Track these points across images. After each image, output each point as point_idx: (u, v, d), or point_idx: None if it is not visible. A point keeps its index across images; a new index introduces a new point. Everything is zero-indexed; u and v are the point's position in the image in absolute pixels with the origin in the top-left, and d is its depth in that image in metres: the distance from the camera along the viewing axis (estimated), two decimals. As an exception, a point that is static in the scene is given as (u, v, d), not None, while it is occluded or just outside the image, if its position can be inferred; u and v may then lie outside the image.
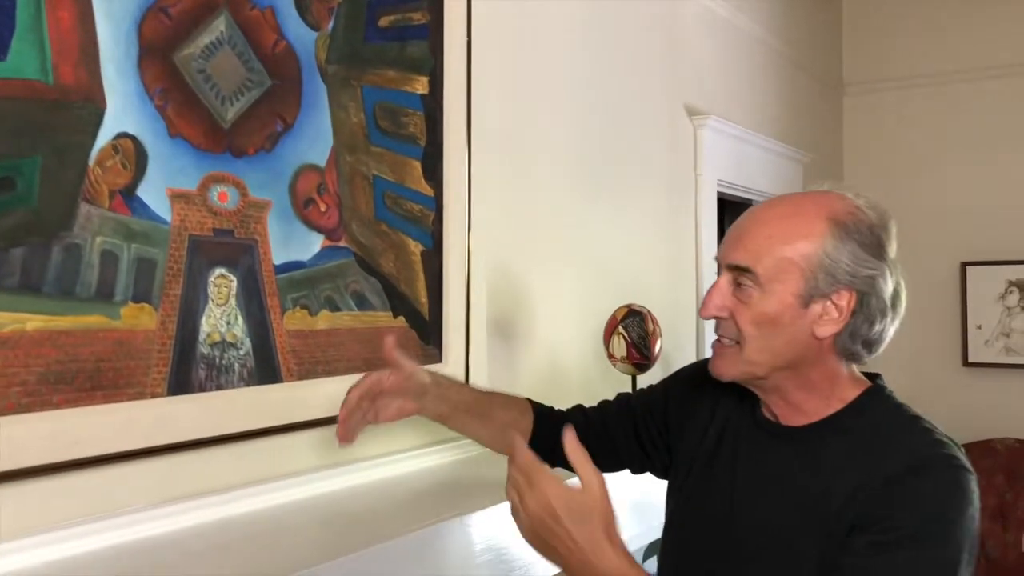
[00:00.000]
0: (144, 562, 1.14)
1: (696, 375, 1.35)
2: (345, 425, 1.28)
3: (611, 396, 2.37)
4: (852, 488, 1.08)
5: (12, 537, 1.07)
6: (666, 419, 1.37)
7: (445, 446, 1.73)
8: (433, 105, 1.73)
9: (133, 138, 1.21)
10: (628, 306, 2.14)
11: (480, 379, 1.83)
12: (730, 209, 3.40)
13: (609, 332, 2.13)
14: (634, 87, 2.67)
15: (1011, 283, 4.17)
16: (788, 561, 1.11)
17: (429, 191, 1.72)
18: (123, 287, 1.20)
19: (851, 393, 1.17)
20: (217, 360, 1.33)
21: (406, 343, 1.66)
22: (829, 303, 1.11)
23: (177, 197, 1.27)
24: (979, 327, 4.22)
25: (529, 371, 2.15)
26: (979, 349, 4.23)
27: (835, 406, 1.16)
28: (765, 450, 1.20)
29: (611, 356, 2.13)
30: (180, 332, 1.27)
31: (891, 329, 1.15)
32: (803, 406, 1.17)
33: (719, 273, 1.18)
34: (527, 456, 1.09)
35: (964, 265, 4.24)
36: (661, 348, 2.14)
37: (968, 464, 1.08)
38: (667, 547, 1.30)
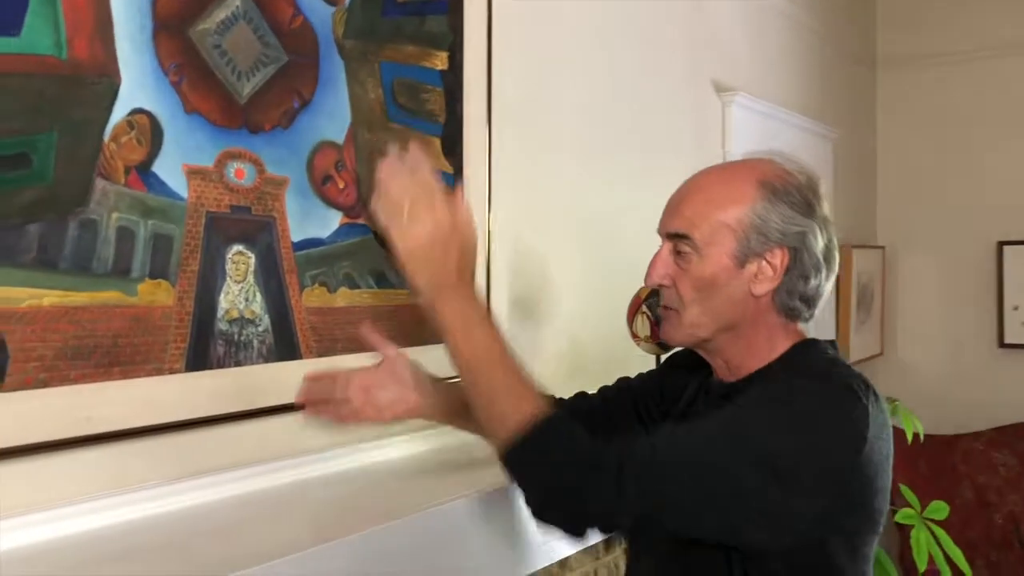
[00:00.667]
0: (160, 538, 1.14)
1: (686, 355, 1.40)
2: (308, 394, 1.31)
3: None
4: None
5: (29, 511, 1.08)
6: (662, 395, 1.43)
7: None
8: (453, 81, 1.71)
9: (148, 114, 1.21)
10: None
11: (502, 358, 1.81)
12: (759, 188, 3.36)
13: (632, 311, 2.10)
14: (660, 62, 2.63)
15: (1049, 262, 4.09)
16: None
17: (449, 169, 1.70)
18: (140, 263, 1.20)
19: (785, 347, 1.22)
20: (235, 337, 1.33)
21: (426, 321, 1.65)
22: (764, 262, 1.17)
23: (193, 173, 1.27)
24: (1016, 308, 4.14)
25: (551, 352, 2.14)
26: (1015, 330, 4.15)
27: (770, 360, 1.22)
28: (711, 411, 1.23)
29: (634, 336, 2.11)
30: (198, 308, 1.28)
31: (827, 285, 1.21)
32: (743, 364, 1.23)
33: (661, 244, 1.25)
34: (431, 172, 1.13)
35: (1001, 244, 4.16)
36: (686, 327, 2.11)
37: (865, 398, 1.09)
38: None
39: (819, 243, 1.19)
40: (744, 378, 1.23)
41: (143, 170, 1.21)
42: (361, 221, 1.52)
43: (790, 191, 1.17)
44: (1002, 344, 4.18)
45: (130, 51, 1.19)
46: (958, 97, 4.30)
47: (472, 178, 1.75)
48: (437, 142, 1.68)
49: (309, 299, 1.44)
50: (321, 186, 1.46)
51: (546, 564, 1.54)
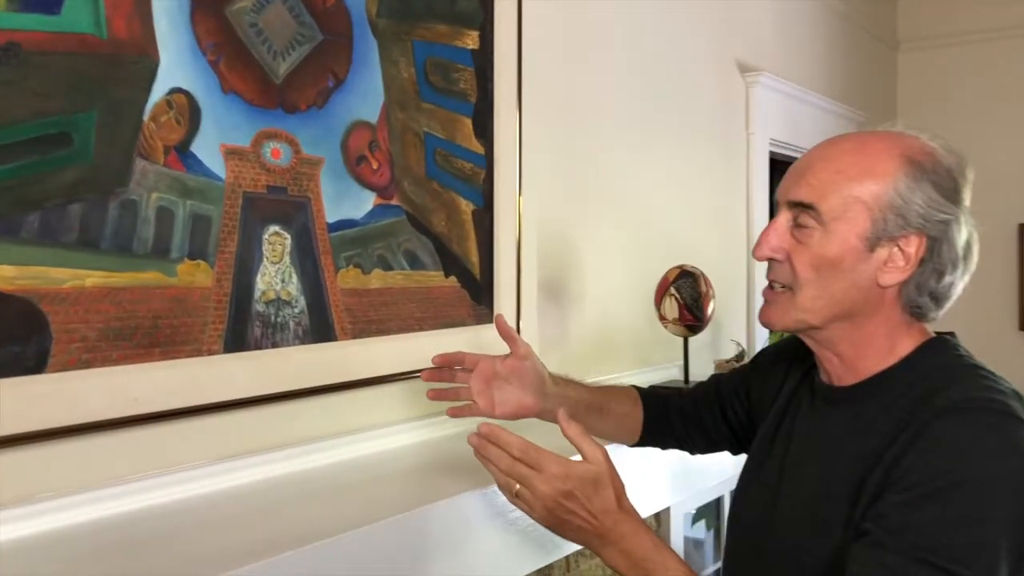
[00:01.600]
0: (201, 518, 1.14)
1: (779, 351, 1.32)
2: (436, 373, 1.33)
3: (660, 358, 2.35)
4: (884, 445, 1.00)
5: (74, 492, 1.08)
6: (749, 398, 1.35)
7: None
8: (483, 61, 1.69)
9: (187, 93, 1.20)
10: (680, 267, 2.10)
11: (531, 341, 1.80)
12: (780, 170, 3.33)
13: (661, 293, 2.09)
14: (685, 42, 2.60)
15: (1071, 245, 4.06)
16: (813, 532, 1.05)
17: (480, 149, 1.69)
18: (179, 244, 1.20)
19: (911, 347, 1.07)
20: (272, 318, 1.32)
21: (458, 303, 1.65)
22: (896, 248, 1.03)
23: (231, 153, 1.26)
24: (1037, 290, 4.11)
25: (579, 333, 2.13)
26: (1037, 313, 4.13)
27: (892, 361, 1.07)
28: (818, 417, 1.14)
29: (662, 318, 2.10)
30: (235, 289, 1.27)
31: (960, 284, 1.06)
32: (858, 363, 1.09)
33: (777, 212, 1.10)
34: (523, 442, 1.06)
35: (1022, 227, 4.13)
36: (714, 310, 2.10)
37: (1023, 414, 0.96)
38: (729, 521, 1.28)
39: (962, 236, 1.04)
40: (862, 382, 1.08)
41: (182, 150, 1.20)
42: (395, 202, 1.51)
43: (938, 171, 1.03)
44: (1023, 327, 4.16)
45: (168, 30, 1.18)
46: (977, 78, 4.26)
47: (503, 158, 1.73)
48: (468, 122, 1.66)
49: (344, 280, 1.43)
50: (355, 167, 1.45)
51: (553, 560, 1.53)
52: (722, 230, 2.85)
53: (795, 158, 3.35)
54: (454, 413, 1.36)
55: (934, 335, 1.10)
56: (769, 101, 3.02)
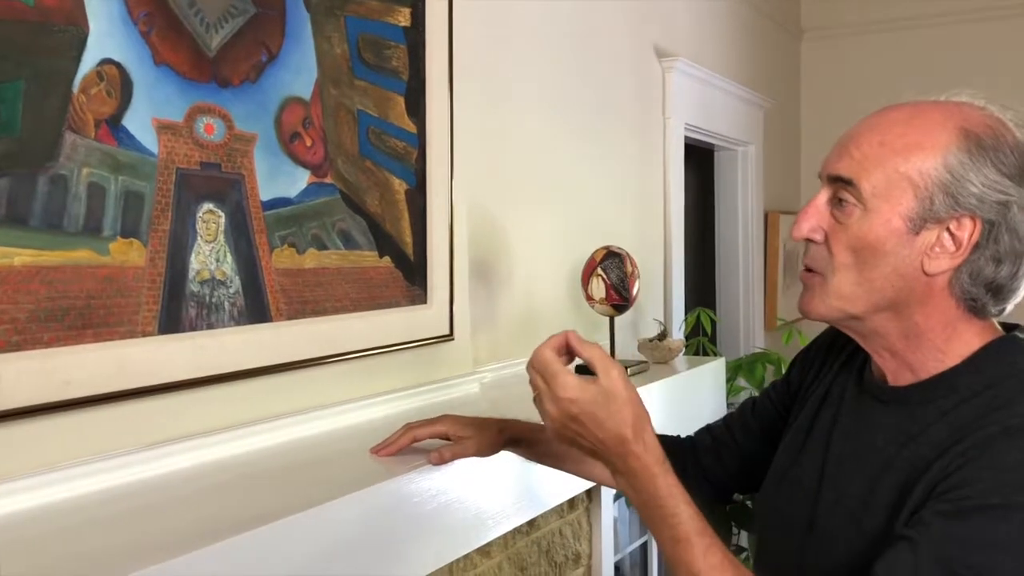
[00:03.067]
0: (136, 505, 1.10)
1: (813, 345, 1.22)
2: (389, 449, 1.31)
3: (587, 338, 2.37)
4: (936, 454, 0.91)
5: (3, 480, 1.03)
6: (794, 399, 1.20)
7: (435, 385, 1.72)
8: (415, 38, 1.68)
9: (118, 64, 1.15)
10: (607, 248, 2.13)
11: (462, 321, 1.81)
12: (694, 155, 3.41)
13: (588, 274, 2.12)
14: (605, 26, 2.63)
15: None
16: (854, 539, 0.96)
17: (412, 128, 1.68)
18: (111, 221, 1.15)
19: (974, 346, 0.97)
20: (207, 298, 1.29)
21: (392, 284, 1.63)
22: (945, 232, 0.92)
23: (163, 128, 1.22)
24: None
25: (507, 313, 2.14)
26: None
27: (951, 362, 0.97)
28: (865, 415, 1.04)
29: (589, 298, 2.12)
30: (170, 269, 1.23)
31: (1022, 275, 0.94)
32: (911, 360, 0.99)
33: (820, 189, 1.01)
34: (544, 355, 0.97)
35: (917, 210, 4.32)
36: (639, 290, 2.14)
37: None
38: (758, 518, 1.19)
39: None
40: (920, 383, 0.98)
41: (113, 124, 1.15)
42: (328, 181, 1.49)
43: (1001, 148, 0.92)
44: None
45: (98, -2, 1.13)
46: (878, 66, 4.43)
47: (435, 138, 1.72)
48: (401, 101, 1.65)
49: (279, 260, 1.40)
50: (289, 144, 1.42)
51: (509, 528, 1.54)
52: (641, 212, 2.90)
53: (709, 143, 3.42)
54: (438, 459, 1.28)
55: (1002, 332, 1.00)
56: (685, 86, 3.08)
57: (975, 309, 0.96)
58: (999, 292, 0.94)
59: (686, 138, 3.17)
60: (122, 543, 0.98)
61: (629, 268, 2.10)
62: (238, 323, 1.34)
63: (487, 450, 1.31)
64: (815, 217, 0.98)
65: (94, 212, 1.13)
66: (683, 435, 1.37)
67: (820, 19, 4.57)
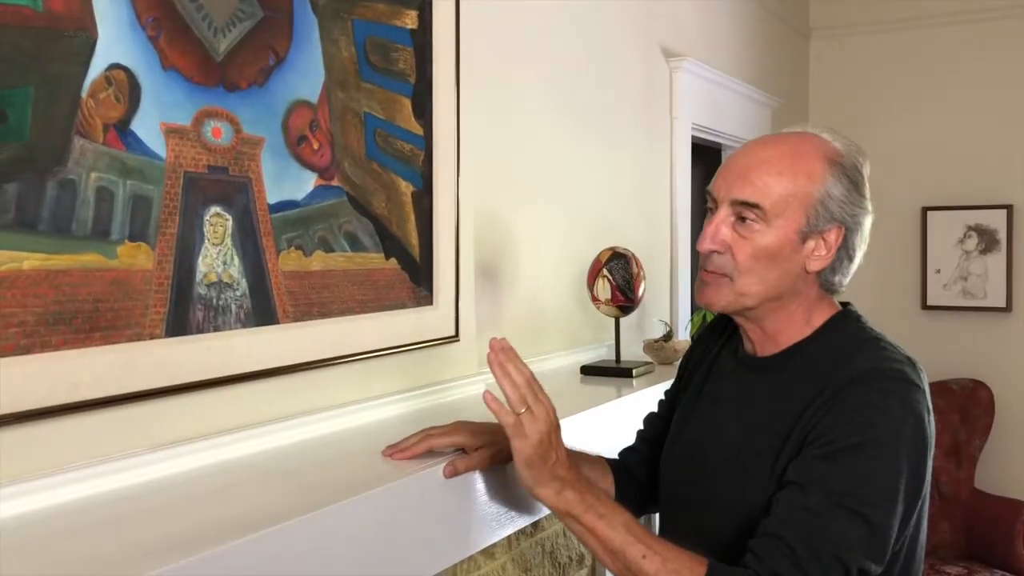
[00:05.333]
0: (145, 506, 1.11)
1: (698, 338, 1.47)
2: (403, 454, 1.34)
3: (590, 339, 2.38)
4: (802, 407, 1.17)
5: (13, 481, 1.04)
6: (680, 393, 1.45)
7: (441, 387, 1.73)
8: (422, 40, 1.68)
9: (126, 69, 1.16)
10: (612, 248, 2.13)
11: (468, 323, 1.82)
12: (701, 154, 3.40)
13: (593, 275, 2.12)
14: (613, 26, 2.63)
15: (969, 228, 4.27)
16: (741, 482, 1.20)
17: (419, 130, 1.68)
18: (119, 225, 1.16)
19: (821, 320, 1.25)
20: (214, 301, 1.29)
21: (399, 285, 1.64)
22: (821, 239, 1.20)
23: (171, 132, 1.22)
24: (938, 271, 4.32)
25: (513, 314, 2.15)
26: (937, 292, 4.33)
27: (805, 333, 1.25)
28: (741, 382, 1.30)
29: (595, 299, 2.13)
30: (177, 272, 1.24)
31: (859, 260, 1.25)
32: (779, 336, 1.26)
33: (713, 208, 1.25)
34: (528, 372, 1.19)
35: (925, 210, 4.32)
36: (644, 291, 2.14)
37: (917, 379, 1.16)
38: (661, 478, 1.39)
39: (868, 223, 1.23)
40: (780, 353, 1.26)
41: (121, 128, 1.16)
42: (335, 183, 1.49)
43: (851, 168, 1.20)
44: (925, 306, 4.36)
45: (106, 3, 1.13)
46: (884, 66, 4.42)
47: (441, 140, 1.73)
48: (408, 103, 1.65)
49: (285, 262, 1.41)
50: (296, 147, 1.42)
51: (513, 530, 1.54)
52: (647, 212, 2.90)
53: (716, 142, 3.42)
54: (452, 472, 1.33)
55: (839, 308, 1.28)
56: (692, 86, 3.08)
57: (831, 289, 1.25)
58: (846, 275, 1.24)
59: (693, 137, 3.17)
60: (132, 544, 0.98)
61: (635, 269, 2.11)
62: (245, 325, 1.35)
63: (500, 460, 1.34)
64: (721, 233, 1.21)
65: (102, 216, 1.14)
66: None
67: (828, 18, 4.56)
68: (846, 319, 1.26)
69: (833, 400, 1.14)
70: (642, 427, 1.55)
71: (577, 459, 1.39)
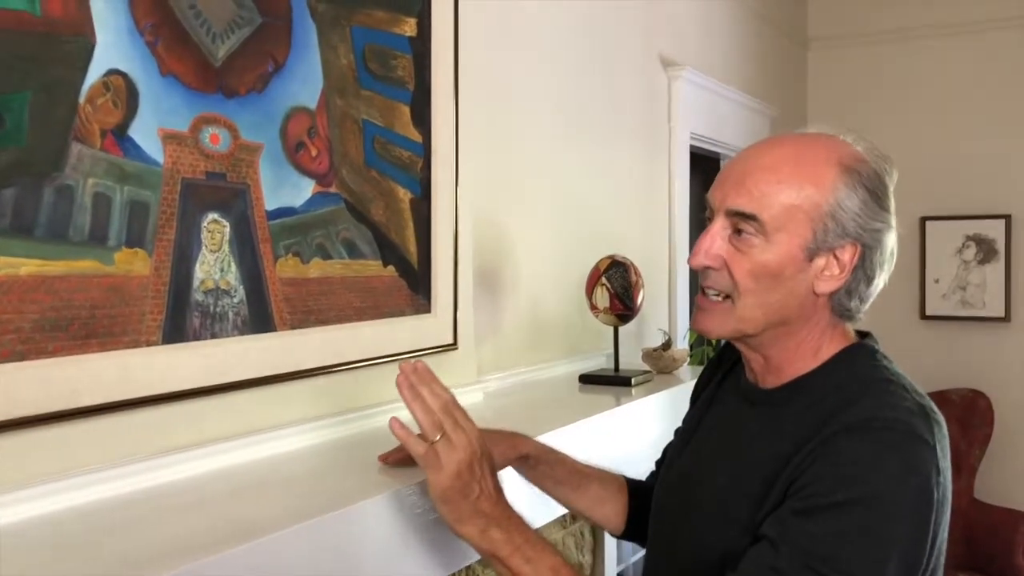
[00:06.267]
0: (143, 512, 1.11)
1: (708, 364, 1.32)
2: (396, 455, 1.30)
3: (589, 347, 2.37)
4: (792, 450, 1.01)
5: (9, 489, 1.04)
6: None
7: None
8: (421, 48, 1.68)
9: (124, 75, 1.16)
10: (611, 257, 2.13)
11: (466, 331, 1.81)
12: (699, 163, 3.40)
13: (592, 283, 2.12)
14: (611, 36, 2.64)
15: (968, 238, 4.27)
16: (724, 527, 1.06)
17: (417, 137, 1.68)
18: (116, 231, 1.16)
19: (831, 351, 1.08)
20: (211, 308, 1.29)
21: (397, 293, 1.63)
22: (832, 257, 1.03)
23: (169, 138, 1.22)
24: (936, 281, 4.32)
25: (512, 322, 2.14)
26: (936, 302, 4.33)
27: (811, 365, 1.08)
28: (737, 415, 1.15)
29: (593, 307, 2.12)
30: (174, 278, 1.23)
31: (883, 284, 1.08)
32: (783, 367, 1.10)
33: (710, 218, 1.09)
34: (453, 395, 1.09)
35: (923, 220, 4.32)
36: (643, 299, 2.14)
37: (926, 432, 0.97)
38: (653, 503, 1.27)
39: (891, 241, 1.06)
40: (783, 386, 1.09)
41: (119, 134, 1.16)
42: (333, 190, 1.49)
43: (872, 177, 1.03)
44: (924, 316, 4.36)
45: (105, 9, 1.13)
46: (882, 76, 4.43)
47: (440, 147, 1.72)
48: (407, 110, 1.65)
49: (283, 269, 1.41)
50: (294, 153, 1.42)
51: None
52: (645, 221, 2.90)
53: (714, 152, 3.42)
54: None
55: (855, 339, 1.11)
56: (690, 95, 3.08)
57: (846, 316, 1.08)
58: (865, 300, 1.07)
59: (692, 146, 3.17)
60: (129, 550, 0.98)
61: (633, 278, 2.10)
62: (242, 332, 1.34)
63: (497, 465, 1.30)
64: (714, 246, 1.06)
65: (99, 222, 1.13)
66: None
67: (827, 28, 4.57)
68: (858, 353, 1.09)
69: (823, 448, 0.97)
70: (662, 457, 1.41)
71: (586, 473, 1.38)
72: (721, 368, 1.26)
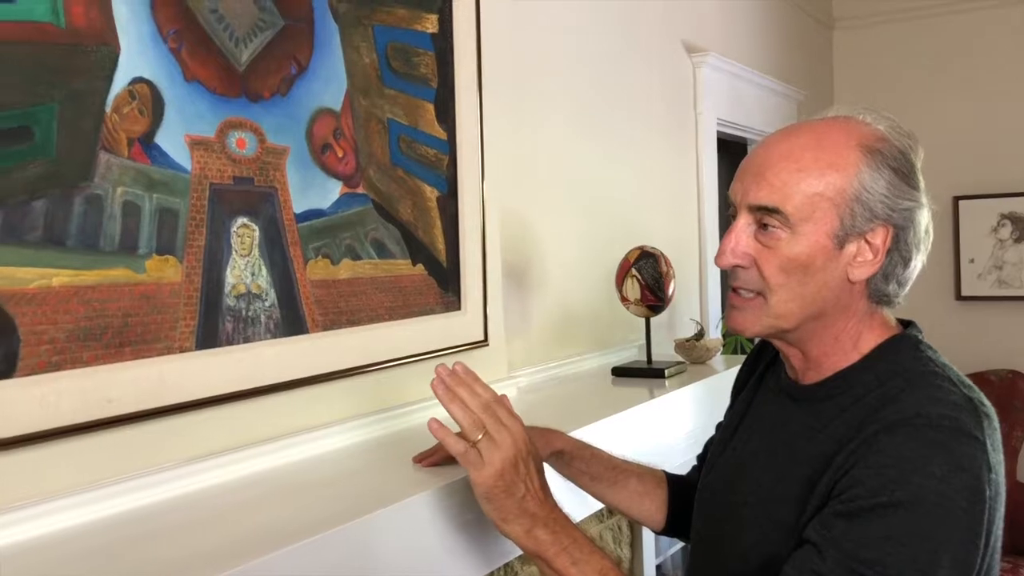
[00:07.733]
0: (181, 519, 1.11)
1: (747, 358, 1.30)
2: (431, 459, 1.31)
3: (620, 339, 2.36)
4: (835, 450, 0.98)
5: (49, 499, 1.04)
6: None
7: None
8: (443, 44, 1.67)
9: (149, 83, 1.16)
10: (640, 248, 2.11)
11: (497, 327, 1.80)
12: (728, 149, 3.37)
13: (622, 275, 2.10)
14: (634, 24, 2.61)
15: (1003, 216, 4.19)
16: (766, 530, 1.04)
17: (442, 134, 1.67)
18: (146, 239, 1.16)
19: (874, 343, 1.05)
20: (243, 312, 1.29)
21: (427, 291, 1.63)
22: (864, 242, 1.00)
23: (196, 144, 1.22)
24: (972, 261, 4.25)
25: (541, 317, 2.13)
26: (972, 282, 4.26)
27: (852, 358, 1.05)
28: (778, 413, 1.12)
29: (624, 299, 2.11)
30: (206, 284, 1.23)
31: (921, 265, 1.05)
32: (823, 361, 1.06)
33: (734, 215, 1.06)
34: (496, 393, 1.08)
35: (956, 199, 4.25)
36: (674, 290, 2.12)
37: (975, 428, 0.92)
38: (695, 504, 1.25)
39: (924, 219, 1.02)
40: (823, 381, 1.06)
41: (146, 142, 1.16)
42: (361, 191, 1.49)
43: (896, 156, 1.00)
44: (959, 297, 4.29)
45: (128, 17, 1.13)
46: (909, 54, 4.36)
47: (464, 144, 1.72)
48: (431, 108, 1.64)
49: (313, 271, 1.40)
50: (321, 155, 1.42)
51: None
52: (674, 210, 2.88)
53: (742, 137, 3.38)
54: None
55: (896, 328, 1.08)
56: (716, 81, 3.05)
57: (885, 302, 1.05)
58: (904, 284, 1.04)
59: (719, 132, 3.14)
60: (168, 558, 0.98)
61: (664, 268, 2.09)
62: (275, 336, 1.34)
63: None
64: (740, 243, 1.04)
65: (129, 230, 1.14)
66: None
67: (852, 8, 4.50)
68: (901, 344, 1.04)
69: (866, 448, 0.94)
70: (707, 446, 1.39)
71: (624, 468, 1.36)
72: (762, 360, 1.23)
